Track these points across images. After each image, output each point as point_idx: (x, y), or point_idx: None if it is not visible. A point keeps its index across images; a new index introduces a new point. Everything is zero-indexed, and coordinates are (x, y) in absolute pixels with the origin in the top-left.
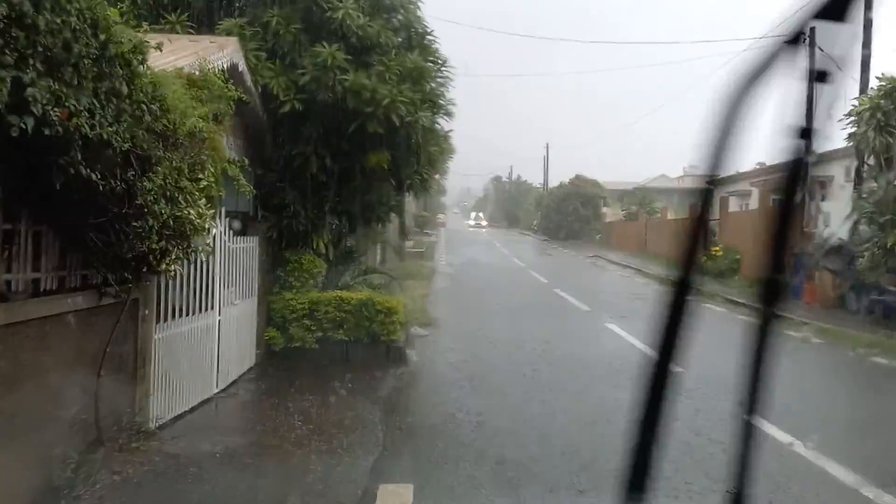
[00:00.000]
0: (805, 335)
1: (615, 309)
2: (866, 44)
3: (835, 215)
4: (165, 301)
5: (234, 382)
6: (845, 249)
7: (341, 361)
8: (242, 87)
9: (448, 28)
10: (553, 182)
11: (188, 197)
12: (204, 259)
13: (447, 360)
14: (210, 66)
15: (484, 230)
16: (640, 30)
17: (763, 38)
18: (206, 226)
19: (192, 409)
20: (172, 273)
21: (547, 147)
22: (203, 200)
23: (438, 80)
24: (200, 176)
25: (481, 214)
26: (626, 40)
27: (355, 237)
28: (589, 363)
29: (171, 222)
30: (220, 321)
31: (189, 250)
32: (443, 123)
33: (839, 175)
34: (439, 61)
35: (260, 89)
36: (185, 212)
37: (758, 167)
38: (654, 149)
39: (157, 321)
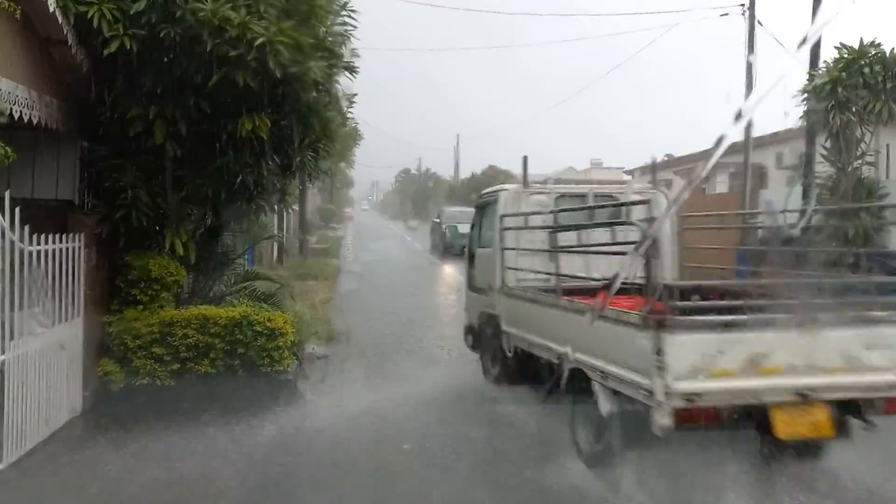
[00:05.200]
0: None
1: None
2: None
3: (780, 204)
4: None
5: (33, 450)
6: (797, 242)
7: (205, 403)
8: (39, 13)
9: None
10: (465, 174)
11: None
12: None
13: (352, 398)
14: None
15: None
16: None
17: (694, 11)
18: None
19: None
20: None
21: (458, 138)
22: None
23: (337, 23)
24: None
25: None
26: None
27: (231, 233)
28: None
29: None
30: (5, 362)
31: None
32: (344, 83)
33: (783, 160)
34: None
35: (73, 19)
36: None
37: (667, 158)
38: (562, 140)
39: None
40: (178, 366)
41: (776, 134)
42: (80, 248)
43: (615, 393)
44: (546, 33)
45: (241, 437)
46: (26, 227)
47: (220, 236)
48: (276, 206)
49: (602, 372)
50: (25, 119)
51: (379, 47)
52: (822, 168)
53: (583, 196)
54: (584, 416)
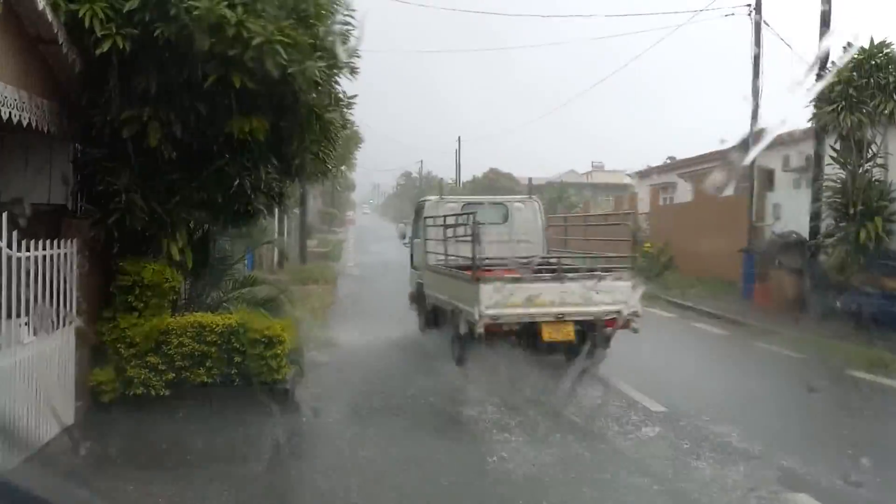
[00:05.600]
0: (779, 349)
1: None
2: (825, 17)
3: (787, 207)
4: None
5: (21, 464)
6: (805, 245)
7: (201, 414)
8: (28, 11)
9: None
10: (466, 177)
11: None
12: None
13: (353, 407)
14: None
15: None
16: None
17: (700, 11)
18: None
19: None
20: None
21: (459, 140)
22: None
23: (337, 23)
24: None
25: None
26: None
27: (229, 238)
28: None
29: None
30: None
31: None
32: (345, 84)
33: (789, 162)
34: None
35: (63, 18)
36: None
37: (669, 160)
38: (564, 143)
39: None
40: (174, 375)
41: (783, 135)
42: (72, 253)
43: (467, 321)
44: (548, 35)
45: (235, 455)
46: (14, 233)
47: (217, 241)
48: (275, 210)
49: (462, 310)
50: (15, 121)
51: (380, 49)
52: (831, 170)
53: (480, 204)
54: (456, 337)
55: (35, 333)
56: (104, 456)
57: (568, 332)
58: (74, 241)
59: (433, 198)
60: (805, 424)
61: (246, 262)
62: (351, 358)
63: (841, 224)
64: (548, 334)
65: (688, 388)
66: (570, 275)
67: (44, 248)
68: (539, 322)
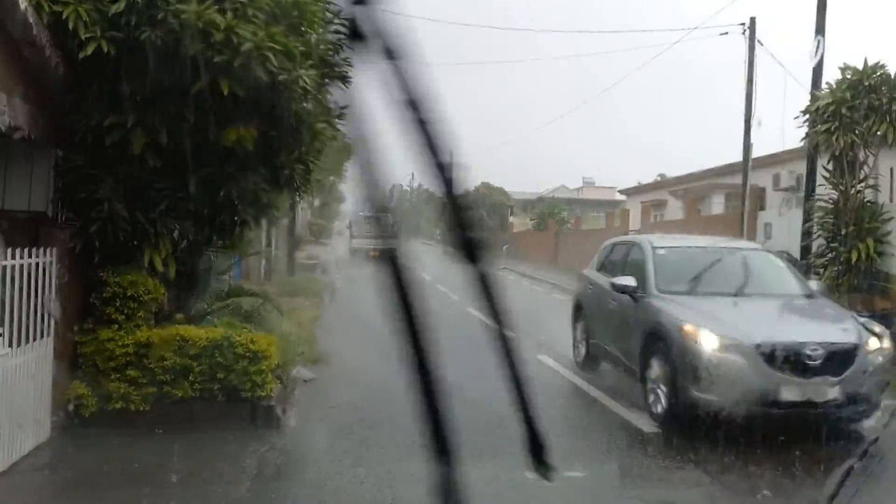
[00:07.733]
0: None
1: (542, 333)
2: (819, 30)
3: (777, 226)
4: None
5: None
6: (796, 265)
7: (182, 430)
8: (10, 11)
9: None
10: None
11: None
12: None
13: (339, 426)
14: None
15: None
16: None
17: (694, 29)
18: None
19: None
20: None
21: (451, 154)
22: None
23: (330, 31)
24: None
25: None
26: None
27: (214, 249)
28: None
29: None
30: None
31: None
32: (336, 94)
33: (780, 181)
34: (331, 4)
35: (47, 20)
36: None
37: (659, 178)
38: (554, 158)
39: None
40: (154, 389)
41: (775, 155)
42: (51, 263)
43: (350, 249)
44: (541, 50)
45: (214, 475)
46: None
47: (202, 252)
48: (262, 221)
49: (350, 246)
50: None
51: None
52: (823, 190)
53: (369, 217)
54: (351, 252)
55: (10, 345)
56: (77, 474)
57: (377, 255)
58: (54, 249)
59: (356, 216)
60: None
61: (233, 273)
62: (338, 372)
63: (832, 244)
64: (370, 255)
65: None
66: (376, 237)
67: (21, 257)
68: (369, 250)
